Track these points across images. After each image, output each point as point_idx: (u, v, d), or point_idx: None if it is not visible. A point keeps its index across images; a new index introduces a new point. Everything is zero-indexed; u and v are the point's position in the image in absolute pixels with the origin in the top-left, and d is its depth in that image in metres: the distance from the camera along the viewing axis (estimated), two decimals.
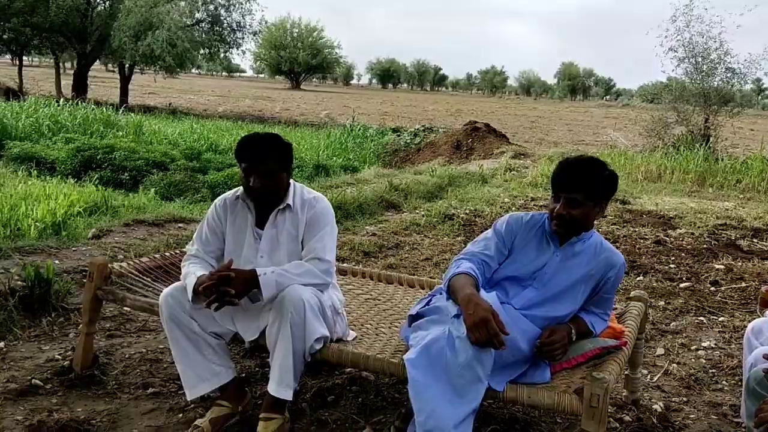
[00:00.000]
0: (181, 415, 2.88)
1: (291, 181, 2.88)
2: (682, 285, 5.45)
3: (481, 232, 6.97)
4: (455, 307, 2.37)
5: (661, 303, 4.96)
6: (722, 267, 6.10)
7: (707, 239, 7.32)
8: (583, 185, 2.47)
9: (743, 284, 5.58)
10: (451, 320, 2.35)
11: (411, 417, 2.78)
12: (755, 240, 7.48)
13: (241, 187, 2.90)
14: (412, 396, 2.24)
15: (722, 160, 13.03)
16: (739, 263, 6.31)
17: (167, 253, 3.56)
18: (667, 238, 7.26)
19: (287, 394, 2.58)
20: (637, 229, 7.64)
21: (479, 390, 2.22)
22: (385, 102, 48.73)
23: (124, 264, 3.27)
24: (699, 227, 7.92)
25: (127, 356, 3.43)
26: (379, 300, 3.36)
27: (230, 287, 2.54)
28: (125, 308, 3.85)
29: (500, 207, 8.50)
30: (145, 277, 3.23)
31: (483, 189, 9.81)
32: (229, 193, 2.94)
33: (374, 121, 23.30)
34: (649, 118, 15.17)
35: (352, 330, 2.94)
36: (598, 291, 2.62)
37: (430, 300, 2.72)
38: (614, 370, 2.43)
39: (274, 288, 2.59)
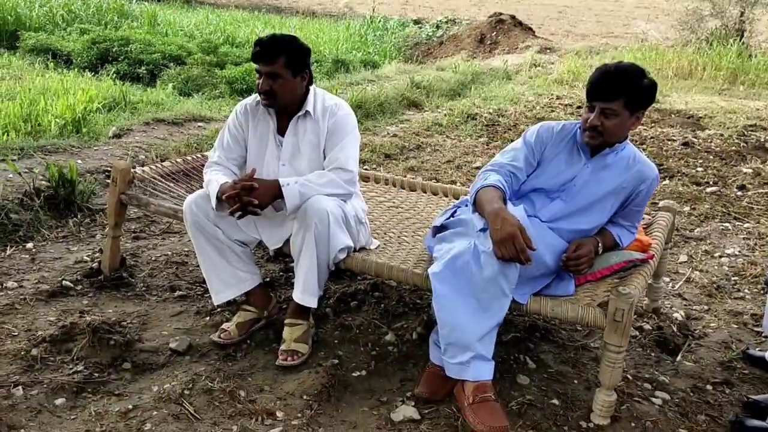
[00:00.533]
0: (208, 318, 2.94)
1: (312, 87, 2.79)
2: (708, 189, 5.37)
3: (505, 132, 6.94)
4: (481, 221, 2.34)
5: (687, 208, 4.90)
6: (750, 171, 5.98)
7: (736, 141, 7.13)
8: (621, 94, 2.34)
9: None
10: (477, 234, 2.33)
11: (433, 324, 2.83)
12: None
13: None
14: (436, 309, 2.25)
15: (755, 56, 12.50)
16: None
17: (189, 157, 3.53)
18: (696, 140, 7.08)
19: (312, 302, 2.61)
20: (665, 130, 7.45)
21: (504, 304, 2.23)
22: None
23: (146, 168, 3.25)
24: (729, 128, 7.70)
25: (153, 258, 3.48)
26: (401, 208, 3.33)
27: (253, 197, 2.52)
28: None
29: (524, 106, 8.31)
30: (168, 182, 3.22)
31: (507, 86, 9.55)
32: (249, 98, 2.87)
33: (395, 12, 22.43)
34: (683, 10, 14.45)
35: (375, 238, 2.93)
36: (628, 204, 2.56)
37: (455, 211, 2.69)
38: (639, 284, 2.41)
39: (298, 199, 2.57)
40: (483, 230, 2.29)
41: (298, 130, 2.75)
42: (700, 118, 8.30)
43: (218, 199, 2.62)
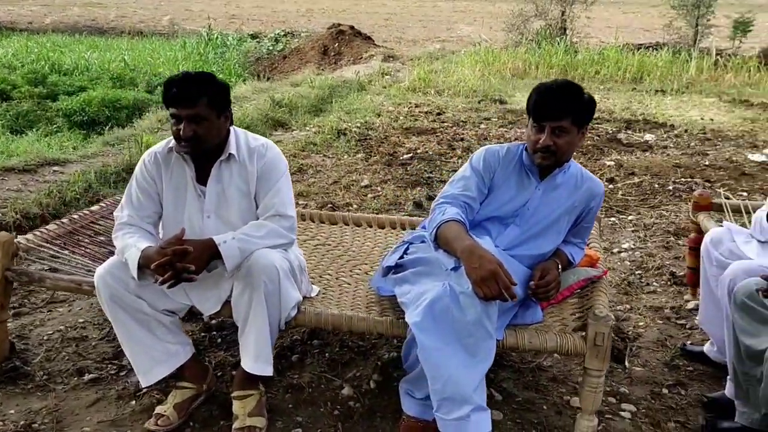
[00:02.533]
0: (134, 402, 2.54)
1: (232, 127, 2.50)
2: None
3: (379, 146, 6.87)
4: (451, 259, 2.20)
5: None
6: (612, 163, 6.36)
7: (589, 135, 7.58)
8: (568, 111, 2.29)
9: (636, 179, 5.84)
10: (448, 273, 2.19)
11: (388, 368, 2.65)
12: (629, 132, 7.86)
13: (172, 137, 2.49)
14: (423, 361, 2.07)
15: (580, 52, 13.50)
16: (625, 157, 6.61)
17: (75, 216, 3.07)
18: None
19: (268, 370, 2.33)
20: (524, 131, 7.74)
21: (491, 346, 2.09)
22: (230, 3, 45.87)
23: (30, 236, 2.77)
24: None
25: (45, 337, 2.98)
26: (329, 245, 3.11)
27: (187, 263, 2.20)
28: None
29: (388, 116, 8.31)
30: (60, 249, 2.77)
31: (365, 98, 9.52)
32: (158, 146, 2.52)
33: (222, 26, 21.83)
34: (509, 13, 15.31)
35: (312, 284, 2.70)
36: (579, 222, 2.53)
37: (407, 248, 2.52)
38: (606, 303, 2.39)
39: (238, 257, 2.28)
40: (455, 269, 2.15)
41: (223, 175, 2.45)
42: None
43: (140, 266, 2.27)
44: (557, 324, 2.37)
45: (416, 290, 2.24)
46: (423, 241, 2.45)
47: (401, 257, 2.48)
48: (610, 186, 5.66)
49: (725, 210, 3.40)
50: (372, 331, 2.38)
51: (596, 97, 9.78)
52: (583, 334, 2.25)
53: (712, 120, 8.61)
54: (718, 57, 12.58)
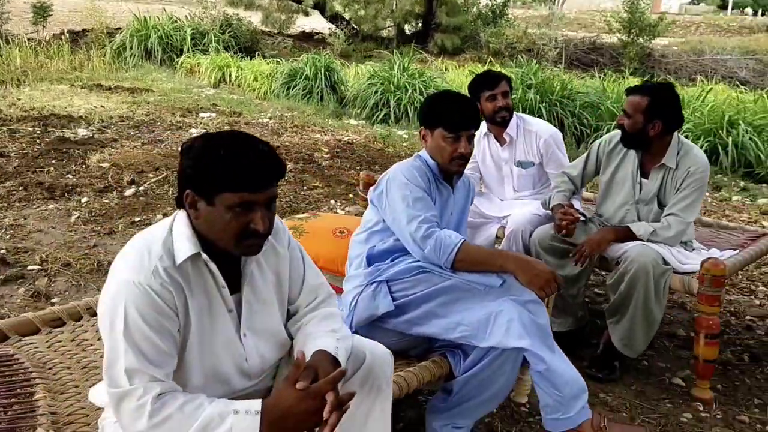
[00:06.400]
0: None
1: None
2: (126, 192, 5.16)
3: None
4: (491, 277, 2.23)
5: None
6: (107, 165, 5.90)
7: (30, 140, 6.66)
8: (476, 119, 2.45)
9: (154, 177, 5.60)
10: (489, 290, 2.22)
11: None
12: (54, 129, 7.20)
13: (166, 241, 1.53)
14: (553, 375, 2.11)
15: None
16: (105, 157, 6.17)
17: None
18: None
19: None
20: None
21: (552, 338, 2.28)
22: None
23: None
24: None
25: None
26: None
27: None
28: None
29: None
30: None
31: None
32: (156, 257, 1.48)
33: None
34: None
35: None
36: None
37: (389, 288, 2.28)
38: None
39: (345, 362, 1.71)
40: (502, 284, 2.23)
41: (253, 274, 1.66)
42: None
43: None
44: None
45: (470, 318, 2.17)
46: (422, 272, 2.27)
47: (394, 300, 2.26)
48: (130, 191, 5.29)
49: None
50: (422, 382, 2.16)
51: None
52: None
53: (104, 107, 8.59)
54: (31, 42, 12.08)
